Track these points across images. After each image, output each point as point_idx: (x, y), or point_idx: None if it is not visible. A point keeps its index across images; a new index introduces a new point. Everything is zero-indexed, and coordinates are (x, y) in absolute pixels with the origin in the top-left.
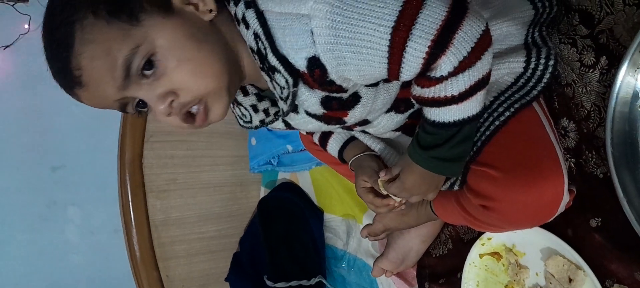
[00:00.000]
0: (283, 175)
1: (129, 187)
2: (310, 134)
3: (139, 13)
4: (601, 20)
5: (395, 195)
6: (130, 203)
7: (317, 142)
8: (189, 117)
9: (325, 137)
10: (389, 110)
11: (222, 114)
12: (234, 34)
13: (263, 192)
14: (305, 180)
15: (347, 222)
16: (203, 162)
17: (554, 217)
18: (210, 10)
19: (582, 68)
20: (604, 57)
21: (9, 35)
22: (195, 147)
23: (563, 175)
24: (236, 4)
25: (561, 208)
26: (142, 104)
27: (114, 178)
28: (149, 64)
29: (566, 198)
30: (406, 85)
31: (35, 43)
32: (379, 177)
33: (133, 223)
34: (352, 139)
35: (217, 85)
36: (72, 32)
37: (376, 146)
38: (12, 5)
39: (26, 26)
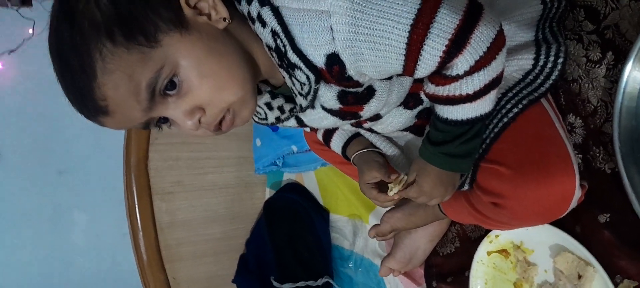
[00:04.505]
0: (288, 176)
1: (134, 190)
2: (314, 131)
3: (156, 33)
4: (607, 15)
5: (415, 199)
6: (136, 206)
7: (321, 139)
8: (217, 125)
9: (329, 134)
10: (398, 106)
11: (249, 117)
12: (248, 34)
13: (268, 193)
14: (310, 180)
15: (353, 222)
16: (208, 163)
17: (566, 213)
18: (224, 18)
19: (588, 64)
20: (610, 52)
21: (14, 39)
22: (200, 149)
23: (574, 171)
24: (249, 3)
25: (573, 203)
26: (164, 120)
27: (119, 181)
28: (172, 83)
29: (578, 194)
30: (418, 80)
31: (40, 47)
32: (395, 184)
33: (139, 226)
34: (356, 135)
35: (243, 92)
36: (91, 62)
37: (382, 145)
38: (17, 10)
39: (30, 30)
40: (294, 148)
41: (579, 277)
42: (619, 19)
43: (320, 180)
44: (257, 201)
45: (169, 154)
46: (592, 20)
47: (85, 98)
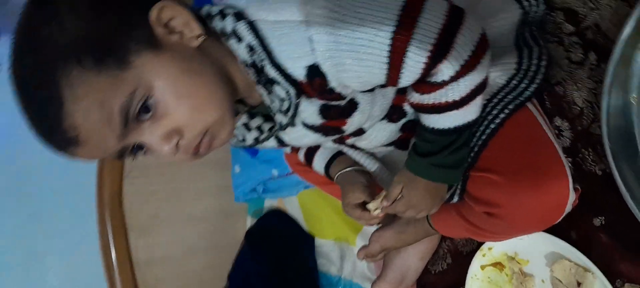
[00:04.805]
0: (270, 203)
1: (109, 227)
2: (295, 152)
3: (126, 55)
4: (586, 16)
5: (401, 214)
6: (111, 243)
7: (303, 159)
8: (195, 148)
9: (311, 153)
10: (381, 119)
11: (228, 138)
12: (223, 52)
13: (250, 221)
14: (293, 205)
15: (340, 246)
16: (186, 194)
17: (562, 217)
18: (198, 36)
19: (571, 65)
20: (593, 52)
21: None
22: (177, 180)
23: (567, 173)
24: (223, 18)
25: (568, 207)
26: (138, 147)
27: (93, 220)
28: (146, 107)
29: (572, 197)
30: (401, 92)
31: (8, 85)
32: (376, 201)
33: (115, 264)
34: (339, 154)
35: (221, 112)
36: (58, 90)
37: (366, 162)
38: None
39: None
40: (275, 172)
41: (578, 284)
42: (599, 19)
43: (303, 204)
44: (239, 231)
45: (144, 187)
46: (572, 22)
47: (54, 129)
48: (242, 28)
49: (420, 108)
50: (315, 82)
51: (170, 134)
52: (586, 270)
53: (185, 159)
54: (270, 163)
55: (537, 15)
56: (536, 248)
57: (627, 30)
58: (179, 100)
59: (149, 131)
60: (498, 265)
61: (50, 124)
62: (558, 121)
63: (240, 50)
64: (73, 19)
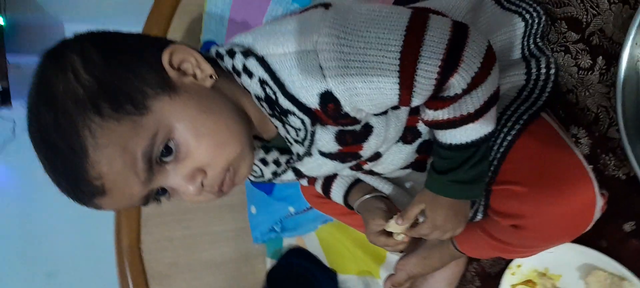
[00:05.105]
0: (288, 241)
1: (129, 277)
2: (312, 184)
3: (144, 100)
4: (589, 23)
5: (427, 237)
6: None
7: (320, 191)
8: (219, 186)
9: (328, 184)
10: (396, 142)
11: (248, 173)
12: (235, 89)
13: (269, 263)
14: (312, 242)
15: (364, 280)
16: (203, 240)
17: (592, 224)
18: (210, 76)
19: (581, 72)
20: (601, 57)
21: None
22: (193, 226)
23: (591, 178)
24: (232, 57)
25: (597, 213)
26: (162, 191)
27: (111, 274)
28: (167, 149)
29: (600, 202)
30: (414, 113)
31: (23, 148)
32: (393, 223)
33: None
34: (357, 182)
35: (241, 146)
36: (80, 140)
37: (385, 187)
38: None
39: (11, 132)
40: (292, 209)
41: None
42: (603, 24)
43: (322, 239)
44: (259, 274)
45: (162, 234)
46: (576, 30)
47: (79, 180)
48: (252, 64)
49: (436, 125)
50: (329, 108)
51: (194, 173)
52: (622, 278)
53: (210, 198)
54: (286, 201)
55: (539, 27)
56: (567, 262)
57: (633, 31)
58: (199, 139)
59: (173, 173)
60: (529, 283)
61: (75, 176)
62: (574, 129)
63: (253, 86)
64: (87, 70)
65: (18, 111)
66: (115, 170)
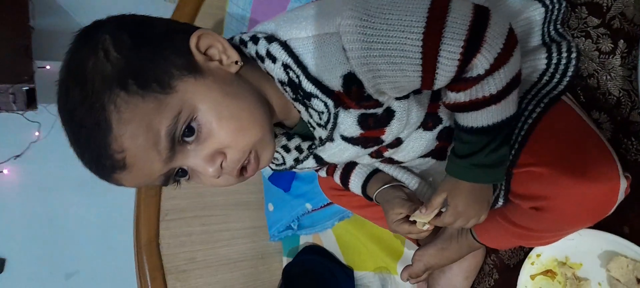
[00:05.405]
0: (305, 239)
1: (147, 271)
2: (331, 175)
3: (170, 80)
4: (610, 7)
5: (450, 225)
6: (149, 287)
7: (339, 181)
8: (239, 170)
9: (346, 174)
10: (417, 128)
11: (270, 159)
12: (259, 75)
13: (286, 261)
14: (329, 239)
15: (380, 276)
16: (221, 236)
17: (615, 207)
18: (236, 62)
19: (602, 56)
20: (622, 40)
21: (19, 144)
22: (212, 222)
23: (614, 158)
24: (255, 43)
25: (620, 196)
26: (182, 172)
27: (129, 274)
28: (190, 129)
29: (624, 184)
30: (435, 99)
31: (47, 150)
32: (418, 212)
33: None
34: (375, 172)
35: (263, 132)
36: (106, 115)
37: (404, 177)
38: (22, 114)
39: (36, 133)
40: (309, 206)
41: (638, 281)
42: (624, 7)
43: (339, 236)
44: (275, 271)
45: (181, 230)
46: (596, 15)
47: (102, 153)
48: (276, 49)
49: (458, 107)
50: (352, 90)
51: (214, 155)
52: None
53: (229, 182)
54: (303, 197)
55: (559, 13)
56: (588, 249)
57: None
58: (221, 122)
59: (194, 154)
60: (549, 272)
61: (99, 149)
62: (596, 114)
63: (276, 70)
64: (117, 49)
65: (43, 114)
66: (138, 145)
